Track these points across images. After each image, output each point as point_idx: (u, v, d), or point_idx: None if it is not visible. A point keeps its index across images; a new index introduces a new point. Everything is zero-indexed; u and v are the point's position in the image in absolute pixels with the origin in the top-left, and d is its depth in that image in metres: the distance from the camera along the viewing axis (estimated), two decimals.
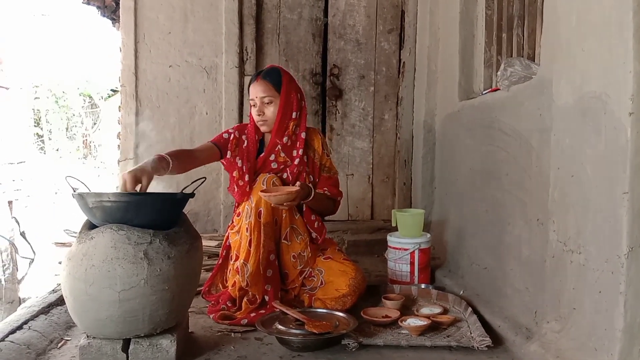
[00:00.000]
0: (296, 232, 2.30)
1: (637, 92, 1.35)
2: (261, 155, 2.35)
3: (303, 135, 2.37)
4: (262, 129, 2.35)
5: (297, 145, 2.36)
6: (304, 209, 2.33)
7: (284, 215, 2.24)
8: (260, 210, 2.17)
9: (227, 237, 2.41)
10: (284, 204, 2.12)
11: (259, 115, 2.31)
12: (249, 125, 2.41)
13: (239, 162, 2.32)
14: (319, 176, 2.42)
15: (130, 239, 1.60)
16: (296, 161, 2.35)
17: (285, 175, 2.35)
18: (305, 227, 2.34)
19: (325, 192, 2.40)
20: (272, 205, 2.15)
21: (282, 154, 2.35)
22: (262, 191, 2.14)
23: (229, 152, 2.33)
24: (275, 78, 2.31)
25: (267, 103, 2.29)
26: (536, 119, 1.94)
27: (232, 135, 2.36)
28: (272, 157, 2.35)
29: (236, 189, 2.33)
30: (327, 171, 2.45)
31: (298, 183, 2.19)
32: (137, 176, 1.76)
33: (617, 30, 1.42)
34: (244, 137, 2.38)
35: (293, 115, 2.33)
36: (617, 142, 1.41)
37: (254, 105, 2.32)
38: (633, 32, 1.36)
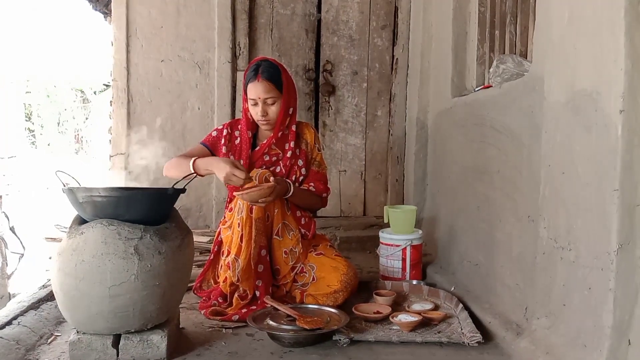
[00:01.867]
0: (288, 228, 2.30)
1: (628, 89, 1.36)
2: (256, 150, 2.36)
3: (294, 127, 2.37)
4: (264, 127, 2.33)
5: (289, 138, 2.37)
6: (290, 205, 2.32)
7: (275, 210, 2.24)
8: (252, 206, 2.16)
9: (219, 232, 2.41)
10: (259, 200, 2.09)
11: (263, 116, 2.27)
12: (241, 120, 2.40)
13: (231, 158, 2.32)
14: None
15: (121, 234, 1.59)
16: (288, 153, 2.36)
17: (278, 169, 2.35)
18: (297, 224, 2.34)
19: (310, 187, 2.39)
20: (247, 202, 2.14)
21: (274, 147, 2.36)
22: (236, 191, 2.13)
23: (223, 148, 2.33)
24: (276, 77, 2.26)
25: (271, 104, 2.27)
26: (528, 116, 1.95)
27: (225, 131, 2.37)
28: (265, 150, 2.35)
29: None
30: (317, 165, 2.45)
31: (272, 178, 2.17)
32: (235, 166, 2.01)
33: (608, 28, 1.42)
34: (236, 132, 2.37)
35: (290, 110, 2.34)
36: (608, 139, 1.42)
37: (254, 105, 2.28)
38: (624, 30, 1.36)
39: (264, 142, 2.36)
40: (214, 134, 2.39)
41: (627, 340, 1.39)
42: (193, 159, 2.15)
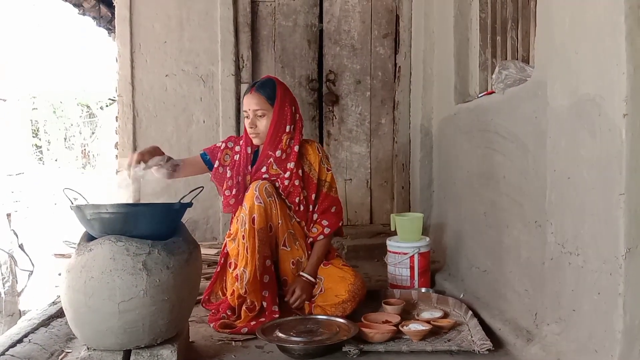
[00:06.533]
0: (294, 237, 2.29)
1: (631, 93, 1.36)
2: (253, 167, 2.33)
3: (296, 148, 2.31)
4: (255, 141, 2.32)
5: (290, 158, 2.31)
6: (293, 213, 2.33)
7: (279, 221, 2.23)
8: (254, 217, 2.15)
9: (225, 244, 2.41)
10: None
11: (251, 127, 2.28)
12: (243, 136, 2.41)
13: (229, 173, 2.34)
14: (315, 191, 2.36)
15: (129, 250, 1.60)
16: (287, 174, 2.30)
17: (277, 184, 2.31)
18: (303, 233, 2.34)
19: (324, 229, 2.34)
20: (267, 211, 2.18)
21: (275, 167, 2.31)
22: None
23: (216, 162, 2.35)
24: (269, 91, 2.27)
25: (260, 116, 2.26)
26: (532, 121, 1.95)
27: (224, 145, 2.40)
28: (264, 169, 2.31)
29: (222, 198, 2.35)
30: (328, 188, 2.38)
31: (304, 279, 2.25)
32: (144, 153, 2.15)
33: (610, 33, 1.43)
34: (237, 147, 2.38)
35: (287, 128, 2.28)
36: (613, 143, 1.42)
37: (247, 117, 2.30)
38: (625, 35, 1.37)
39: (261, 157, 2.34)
40: (218, 144, 2.44)
41: (638, 344, 1.38)
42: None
